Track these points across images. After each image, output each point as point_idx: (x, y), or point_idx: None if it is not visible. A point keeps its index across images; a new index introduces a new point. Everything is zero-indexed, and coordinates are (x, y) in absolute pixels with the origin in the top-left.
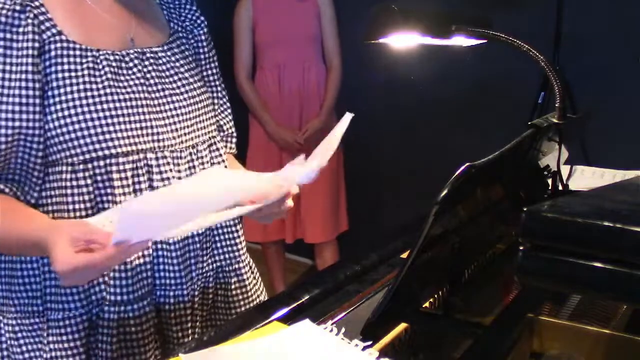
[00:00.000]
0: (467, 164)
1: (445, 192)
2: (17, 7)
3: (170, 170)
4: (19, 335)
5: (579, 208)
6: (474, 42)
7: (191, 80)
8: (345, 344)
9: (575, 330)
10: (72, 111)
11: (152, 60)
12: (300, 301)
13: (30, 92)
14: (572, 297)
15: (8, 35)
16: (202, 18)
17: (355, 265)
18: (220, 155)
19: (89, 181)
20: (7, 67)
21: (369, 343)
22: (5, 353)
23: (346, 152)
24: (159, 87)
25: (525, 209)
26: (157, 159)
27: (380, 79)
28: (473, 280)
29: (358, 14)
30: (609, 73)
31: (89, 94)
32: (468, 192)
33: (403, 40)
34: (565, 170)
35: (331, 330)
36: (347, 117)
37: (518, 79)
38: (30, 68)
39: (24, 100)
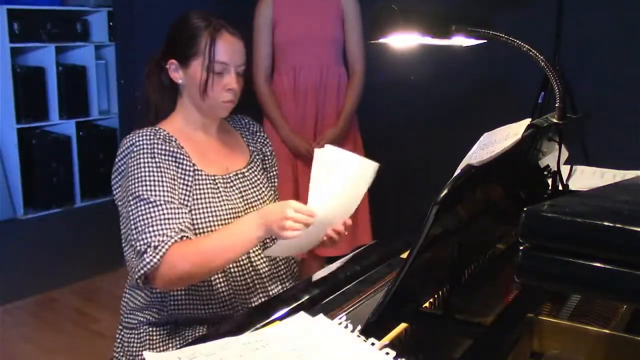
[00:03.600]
0: (467, 164)
1: (445, 192)
2: (176, 149)
3: None
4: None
5: (579, 208)
6: (474, 42)
7: (264, 189)
8: (361, 341)
9: (575, 330)
10: (201, 215)
11: (242, 179)
12: (300, 301)
13: (186, 199)
14: (572, 297)
15: (177, 166)
16: (268, 139)
17: (355, 265)
18: None
19: None
20: (177, 182)
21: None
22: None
23: None
24: (248, 197)
25: (525, 209)
26: None
27: (380, 79)
28: (473, 280)
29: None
30: (608, 73)
31: (211, 206)
32: (468, 192)
33: (403, 40)
34: (565, 170)
35: (346, 327)
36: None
37: (518, 79)
38: (189, 184)
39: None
